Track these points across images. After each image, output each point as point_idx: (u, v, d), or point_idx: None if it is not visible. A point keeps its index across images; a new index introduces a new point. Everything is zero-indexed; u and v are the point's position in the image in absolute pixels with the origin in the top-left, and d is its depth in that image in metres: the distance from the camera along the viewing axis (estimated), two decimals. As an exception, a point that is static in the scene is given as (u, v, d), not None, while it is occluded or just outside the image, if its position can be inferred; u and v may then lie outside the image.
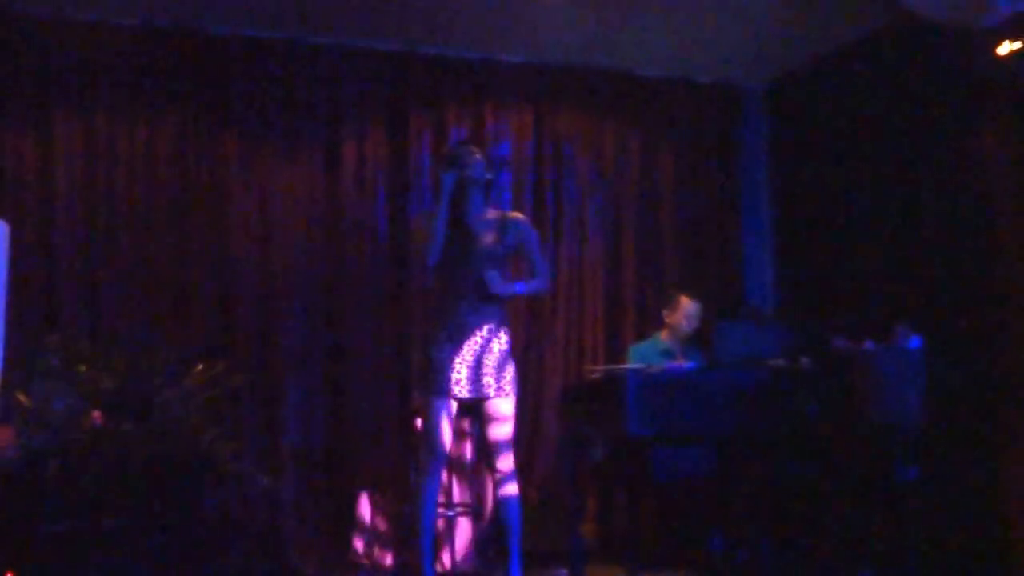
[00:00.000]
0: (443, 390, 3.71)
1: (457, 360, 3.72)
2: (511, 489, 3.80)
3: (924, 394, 4.00)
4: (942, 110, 4.60)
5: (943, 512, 4.12)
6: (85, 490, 3.14)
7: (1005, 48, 4.25)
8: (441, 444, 3.74)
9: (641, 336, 5.16)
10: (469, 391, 3.73)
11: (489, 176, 3.82)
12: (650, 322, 5.16)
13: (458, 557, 4.70)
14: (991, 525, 4.19)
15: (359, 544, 4.71)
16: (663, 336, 4.95)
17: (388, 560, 4.68)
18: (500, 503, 3.82)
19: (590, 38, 5.06)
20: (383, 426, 4.86)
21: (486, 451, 3.86)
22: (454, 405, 3.75)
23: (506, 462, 3.76)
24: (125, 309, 4.60)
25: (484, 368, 3.73)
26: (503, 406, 3.75)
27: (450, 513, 4.67)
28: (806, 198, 5.37)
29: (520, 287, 3.87)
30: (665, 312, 4.97)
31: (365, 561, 4.67)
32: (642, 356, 4.85)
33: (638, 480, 4.35)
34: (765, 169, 5.64)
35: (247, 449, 4.07)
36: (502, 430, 3.75)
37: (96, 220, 4.66)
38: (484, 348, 3.74)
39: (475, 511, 4.77)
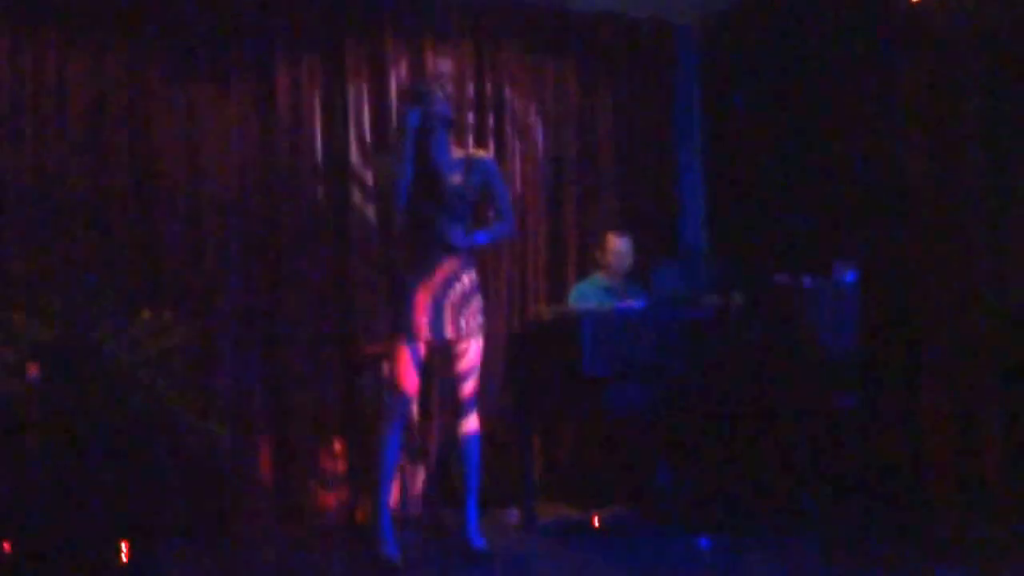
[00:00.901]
0: (414, 333, 3.68)
1: (428, 303, 3.69)
2: (472, 425, 3.83)
3: (858, 325, 4.18)
4: (864, 49, 4.71)
5: (876, 435, 4.31)
6: (25, 449, 2.99)
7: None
8: (409, 388, 3.72)
9: (583, 275, 5.19)
10: (440, 333, 3.71)
11: (452, 115, 3.75)
12: (591, 261, 5.18)
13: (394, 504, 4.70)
14: (912, 444, 4.41)
15: (310, 494, 4.66)
16: (601, 275, 4.99)
17: (335, 505, 4.65)
18: (462, 440, 3.84)
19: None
20: (325, 373, 4.76)
21: (450, 385, 3.85)
22: (423, 348, 3.73)
23: (470, 389, 3.79)
24: (38, 249, 4.32)
25: (454, 310, 3.72)
26: (472, 346, 3.78)
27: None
28: (738, 135, 5.42)
29: (482, 237, 3.85)
30: (597, 253, 5.02)
31: (316, 510, 4.63)
32: (584, 295, 4.89)
33: (591, 417, 4.42)
34: (698, 106, 5.66)
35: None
36: (469, 366, 3.78)
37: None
38: (454, 290, 3.73)
39: (421, 454, 4.77)
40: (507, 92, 5.22)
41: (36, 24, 4.45)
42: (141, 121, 4.58)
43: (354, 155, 4.88)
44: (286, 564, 3.90)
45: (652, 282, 4.79)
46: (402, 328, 3.70)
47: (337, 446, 4.70)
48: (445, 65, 5.08)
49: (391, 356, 3.77)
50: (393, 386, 3.74)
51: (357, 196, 4.87)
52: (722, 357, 4.16)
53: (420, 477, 4.77)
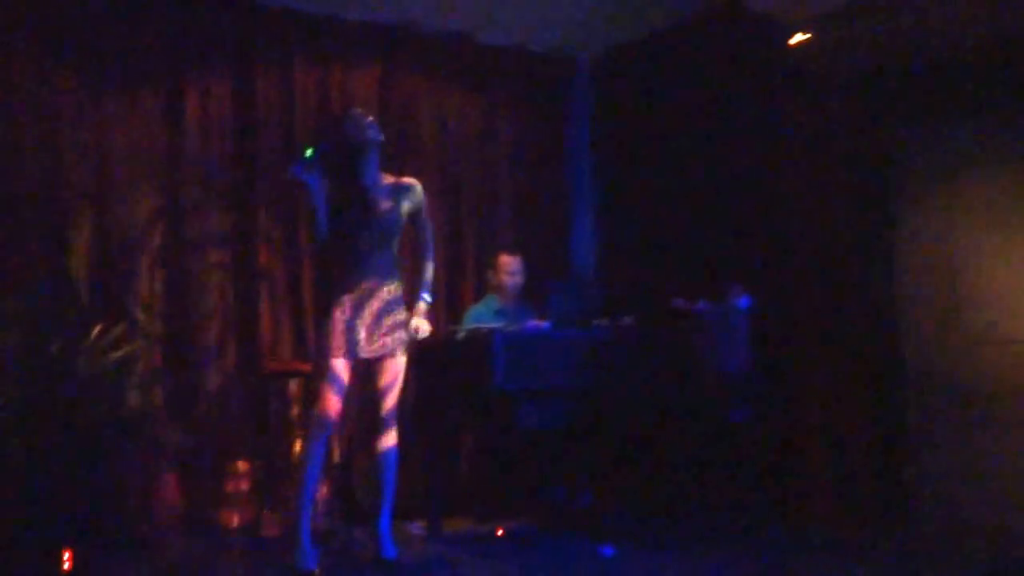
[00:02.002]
0: (347, 351, 3.76)
1: (358, 321, 3.77)
2: (391, 440, 3.91)
3: (750, 345, 4.50)
4: (748, 87, 5.08)
5: (766, 446, 4.65)
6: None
7: (796, 39, 4.82)
8: (333, 406, 3.78)
9: (479, 298, 5.34)
10: (371, 350, 3.80)
11: (382, 138, 3.85)
12: (485, 284, 5.34)
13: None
14: (793, 451, 4.78)
15: (223, 511, 4.63)
16: (495, 298, 5.15)
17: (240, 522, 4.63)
18: (380, 455, 3.90)
19: (435, 2, 5.13)
20: (233, 393, 4.75)
21: (369, 401, 3.92)
22: (346, 366, 3.79)
23: (390, 404, 3.88)
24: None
25: (376, 328, 3.81)
26: (393, 363, 3.89)
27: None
28: (629, 164, 5.72)
29: (426, 290, 4.00)
30: (490, 273, 5.19)
31: (227, 525, 4.60)
32: (478, 317, 5.02)
33: (499, 432, 4.56)
34: (590, 137, 5.94)
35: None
36: (390, 381, 3.88)
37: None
38: (375, 309, 3.81)
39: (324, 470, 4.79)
40: (409, 117, 5.35)
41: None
42: (49, 131, 4.49)
43: (261, 175, 4.92)
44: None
45: (547, 304, 5.00)
46: (334, 346, 3.76)
47: (242, 465, 4.67)
48: (350, 87, 5.17)
49: (315, 374, 3.82)
50: (319, 406, 3.78)
51: (264, 216, 4.90)
52: (623, 375, 4.39)
53: (323, 491, 4.79)
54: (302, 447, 3.82)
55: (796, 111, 4.95)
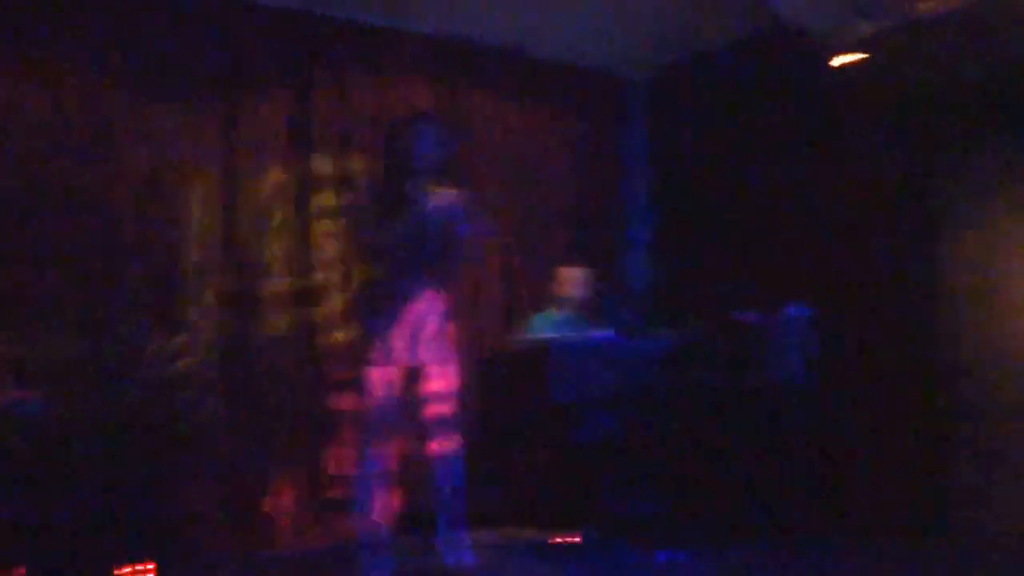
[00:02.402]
0: (388, 359, 3.75)
1: (400, 328, 3.76)
2: (446, 446, 3.88)
3: (810, 357, 4.48)
4: (799, 106, 5.13)
5: (821, 455, 4.62)
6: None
7: (842, 59, 4.82)
8: (385, 414, 3.77)
9: (536, 311, 5.34)
10: (415, 359, 3.79)
11: (439, 152, 3.84)
12: (545, 297, 5.34)
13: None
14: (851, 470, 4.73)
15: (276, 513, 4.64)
16: (556, 309, 5.16)
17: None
18: (441, 461, 3.88)
19: (492, 16, 5.16)
20: (294, 402, 4.76)
21: (423, 408, 3.88)
22: (397, 373, 3.79)
23: (444, 411, 3.84)
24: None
25: (425, 336, 3.81)
26: (444, 370, 3.86)
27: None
28: (683, 181, 5.75)
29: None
30: (551, 286, 5.18)
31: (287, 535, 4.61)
32: (539, 328, 5.01)
33: (559, 443, 4.54)
34: (646, 153, 5.95)
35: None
36: (441, 388, 3.85)
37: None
38: (426, 316, 3.81)
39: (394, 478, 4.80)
40: (467, 128, 5.38)
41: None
42: (105, 151, 4.49)
43: (317, 187, 4.95)
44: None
45: (602, 315, 5.01)
46: (376, 354, 3.76)
47: (302, 474, 4.68)
48: (406, 98, 5.20)
49: (367, 384, 3.81)
50: (371, 414, 3.78)
51: (321, 225, 4.94)
52: (681, 385, 4.37)
53: (391, 500, 4.79)
54: (356, 457, 3.82)
55: (844, 130, 4.97)
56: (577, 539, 4.41)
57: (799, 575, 3.80)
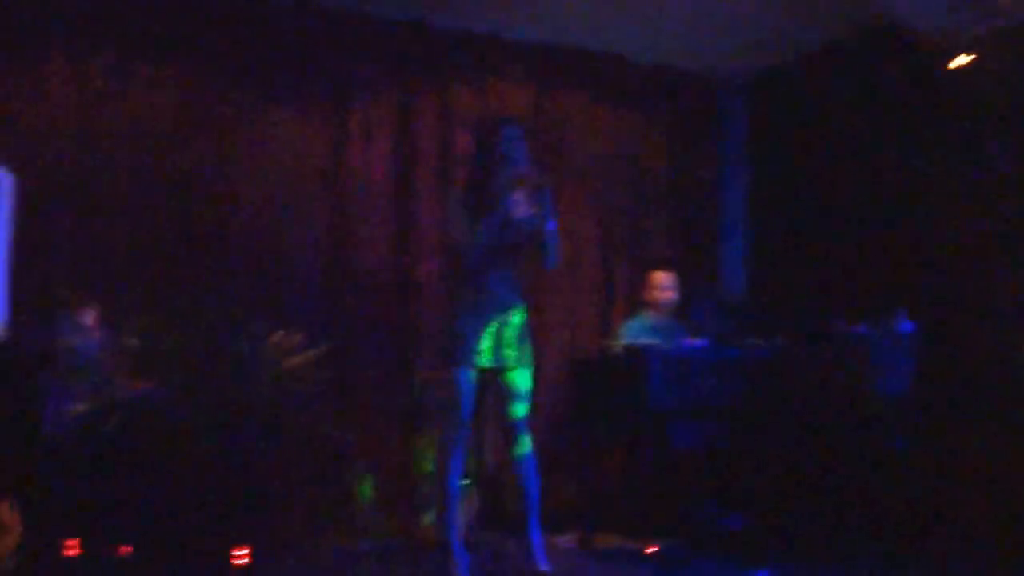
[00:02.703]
0: (468, 360, 3.79)
1: (482, 331, 3.81)
2: (524, 448, 3.89)
3: (913, 372, 4.38)
4: (905, 109, 4.99)
5: (925, 479, 4.50)
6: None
7: (956, 62, 4.67)
8: (467, 414, 3.82)
9: (630, 315, 5.35)
10: (492, 360, 3.82)
11: (526, 153, 3.86)
12: (638, 301, 5.35)
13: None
14: (952, 489, 4.61)
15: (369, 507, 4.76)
16: (648, 314, 5.15)
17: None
18: (516, 464, 3.88)
19: (588, 21, 5.18)
20: (386, 398, 4.89)
21: (502, 412, 3.91)
22: (475, 375, 3.82)
23: (521, 414, 3.85)
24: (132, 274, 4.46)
25: (508, 339, 3.84)
26: (524, 375, 3.87)
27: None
28: (782, 186, 5.67)
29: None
30: (644, 291, 5.18)
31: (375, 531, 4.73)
32: (632, 333, 5.02)
33: (651, 451, 4.55)
34: (744, 158, 5.90)
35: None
36: (523, 391, 3.86)
37: (93, 177, 4.50)
38: (507, 320, 3.85)
39: (473, 481, 4.88)
40: (564, 134, 5.42)
41: (124, 54, 4.60)
42: (222, 154, 4.73)
43: (419, 190, 5.07)
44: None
45: (694, 322, 4.97)
46: (457, 355, 3.79)
47: (389, 471, 4.79)
48: (506, 103, 5.27)
49: (448, 384, 3.85)
50: (452, 414, 3.82)
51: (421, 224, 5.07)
52: (779, 395, 4.33)
53: (473, 502, 4.87)
54: (441, 457, 3.88)
55: (953, 135, 4.82)
56: (657, 549, 4.39)
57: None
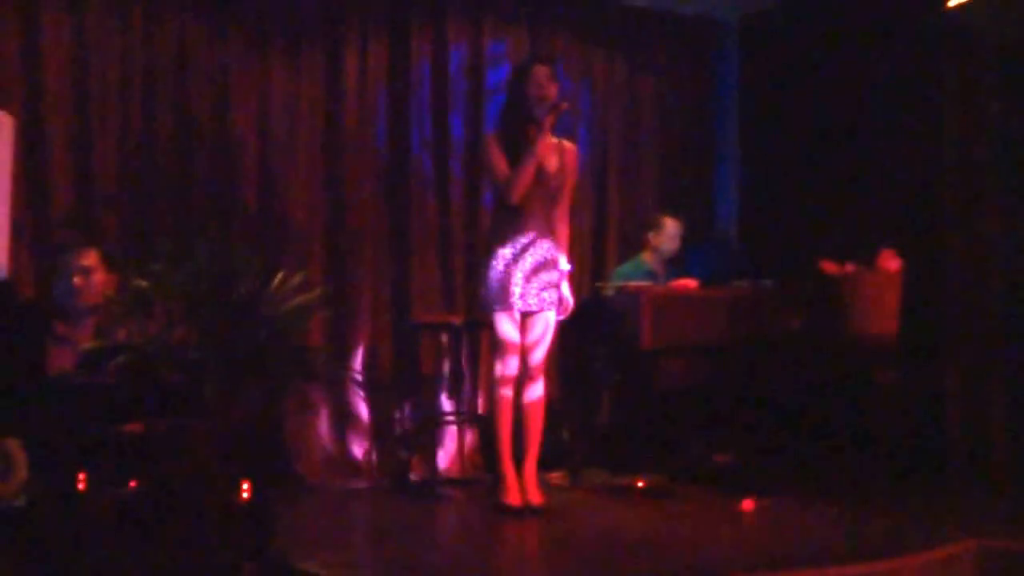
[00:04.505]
0: (508, 304, 3.93)
1: (518, 275, 3.92)
2: (537, 391, 4.06)
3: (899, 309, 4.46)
4: (902, 47, 5.00)
5: (909, 412, 4.62)
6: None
7: (954, 1, 4.68)
8: (513, 350, 3.97)
9: (623, 258, 5.41)
10: (529, 304, 3.96)
11: (565, 104, 3.94)
12: (631, 245, 5.42)
13: (444, 464, 4.93)
14: (936, 422, 4.72)
15: (359, 449, 4.89)
16: (646, 258, 5.19)
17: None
18: (528, 405, 4.05)
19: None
20: (379, 344, 4.99)
21: (521, 352, 4.04)
22: (517, 316, 3.98)
23: (539, 357, 4.03)
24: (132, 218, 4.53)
25: (540, 283, 3.97)
26: (549, 317, 4.05)
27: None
28: (776, 128, 5.69)
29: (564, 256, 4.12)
30: (651, 235, 5.17)
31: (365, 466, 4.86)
32: (627, 276, 5.07)
33: (640, 390, 4.66)
34: (736, 99, 5.91)
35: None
36: (543, 336, 4.03)
37: (87, 123, 4.53)
38: (540, 264, 3.97)
39: (469, 420, 5.00)
40: (560, 76, 5.39)
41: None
42: (218, 97, 4.75)
43: (414, 132, 5.12)
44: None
45: (688, 264, 5.04)
46: (497, 300, 3.95)
47: (391, 412, 4.91)
48: (501, 48, 5.29)
49: (492, 325, 4.01)
50: (500, 354, 3.99)
51: (418, 170, 5.11)
52: (767, 335, 4.41)
53: (471, 439, 5.00)
54: (495, 393, 4.04)
55: (949, 74, 4.84)
56: (645, 484, 4.51)
57: (876, 522, 3.82)
